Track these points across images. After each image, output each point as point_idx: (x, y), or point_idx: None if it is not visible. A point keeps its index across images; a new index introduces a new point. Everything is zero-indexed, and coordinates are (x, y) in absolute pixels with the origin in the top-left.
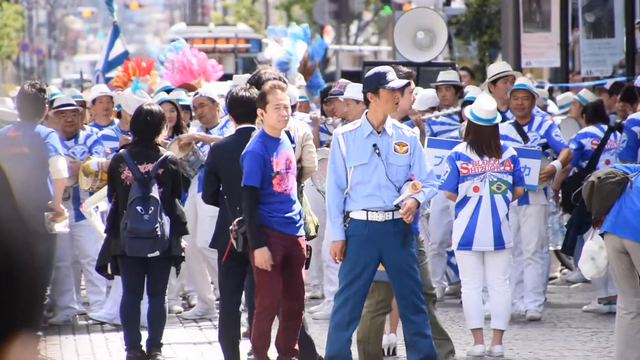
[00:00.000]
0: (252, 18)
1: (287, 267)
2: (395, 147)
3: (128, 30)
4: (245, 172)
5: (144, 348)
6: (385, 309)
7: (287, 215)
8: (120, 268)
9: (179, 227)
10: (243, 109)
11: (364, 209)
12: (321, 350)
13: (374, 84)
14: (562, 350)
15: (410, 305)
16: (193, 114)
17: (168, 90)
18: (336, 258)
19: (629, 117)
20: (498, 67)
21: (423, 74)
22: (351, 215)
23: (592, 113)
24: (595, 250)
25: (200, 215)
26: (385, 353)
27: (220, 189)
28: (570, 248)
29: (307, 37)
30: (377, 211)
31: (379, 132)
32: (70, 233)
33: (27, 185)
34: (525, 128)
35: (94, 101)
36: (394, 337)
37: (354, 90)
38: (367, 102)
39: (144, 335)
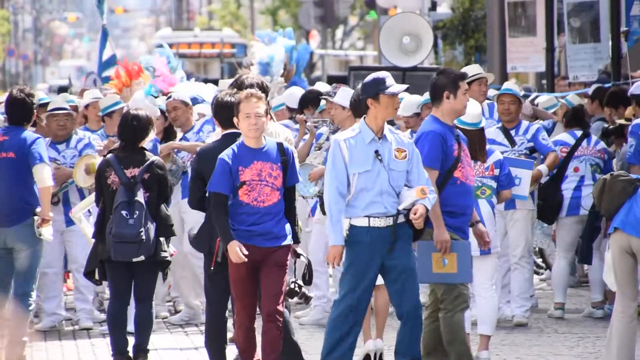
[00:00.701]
0: (237, 23)
1: (261, 272)
2: (395, 153)
3: (114, 35)
4: (211, 178)
5: (131, 354)
6: (463, 305)
7: (253, 227)
8: (107, 273)
9: (165, 230)
10: (228, 113)
11: (366, 216)
12: (308, 356)
13: (374, 90)
14: (548, 355)
15: (412, 308)
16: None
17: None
18: (334, 262)
19: (634, 122)
20: (471, 69)
21: (409, 78)
22: (352, 222)
23: (571, 117)
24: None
25: (187, 220)
26: (372, 358)
27: (207, 194)
28: (588, 257)
29: (291, 37)
30: (379, 217)
31: (379, 138)
32: (60, 239)
33: (13, 190)
34: (513, 132)
35: (87, 106)
36: (380, 343)
37: (341, 96)
38: (366, 108)
39: (131, 340)
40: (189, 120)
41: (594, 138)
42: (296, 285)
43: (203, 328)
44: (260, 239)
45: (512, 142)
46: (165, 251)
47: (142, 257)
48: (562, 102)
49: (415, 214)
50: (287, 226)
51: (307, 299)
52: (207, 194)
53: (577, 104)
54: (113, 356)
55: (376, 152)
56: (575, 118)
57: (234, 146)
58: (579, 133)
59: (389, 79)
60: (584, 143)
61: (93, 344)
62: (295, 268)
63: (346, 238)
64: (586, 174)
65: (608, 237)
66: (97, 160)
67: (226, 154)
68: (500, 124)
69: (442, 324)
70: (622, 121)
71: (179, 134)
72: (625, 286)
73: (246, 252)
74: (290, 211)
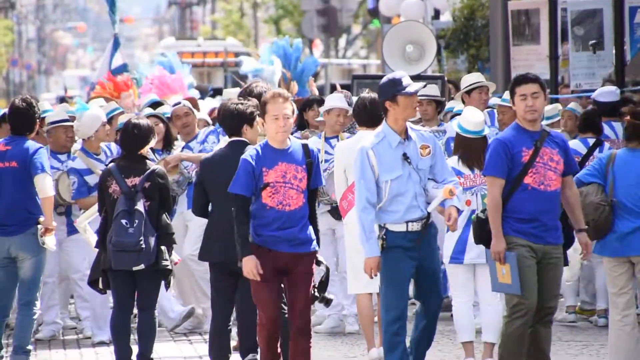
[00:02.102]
0: (241, 32)
1: (288, 282)
2: (420, 152)
3: None
4: (233, 179)
5: None
6: (517, 314)
7: (279, 232)
8: (110, 282)
9: (166, 238)
10: (235, 121)
11: (405, 221)
12: None
13: (391, 91)
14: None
15: (437, 309)
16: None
17: (154, 104)
18: (372, 273)
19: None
20: (472, 77)
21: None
22: (388, 227)
23: (582, 123)
24: (570, 253)
25: (191, 227)
26: None
27: (209, 201)
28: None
29: (298, 51)
30: (415, 221)
31: (405, 139)
32: (59, 248)
33: (16, 200)
34: None
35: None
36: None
37: (335, 97)
38: (385, 111)
39: (135, 349)
40: (196, 128)
41: (606, 146)
42: (315, 290)
43: (207, 337)
44: (285, 245)
45: None
46: (166, 260)
47: (142, 266)
48: (566, 110)
49: (449, 220)
50: (312, 231)
51: (328, 302)
52: (209, 201)
53: (589, 108)
54: None
55: (404, 155)
56: (587, 124)
57: (257, 146)
58: (591, 141)
59: (405, 79)
60: (596, 152)
61: (97, 352)
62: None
63: (383, 244)
64: None
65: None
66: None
67: (249, 154)
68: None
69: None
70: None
71: (181, 143)
72: (619, 300)
73: (261, 272)
74: (312, 215)
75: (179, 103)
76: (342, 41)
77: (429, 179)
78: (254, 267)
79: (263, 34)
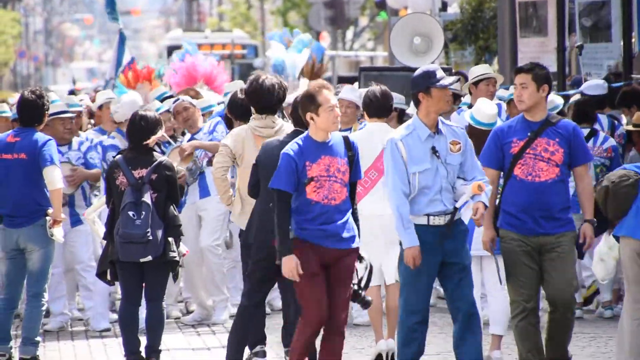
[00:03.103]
0: (248, 24)
1: (331, 277)
2: (450, 147)
3: None
4: (274, 174)
5: (143, 354)
6: (514, 311)
7: (324, 226)
8: (118, 274)
9: (173, 230)
10: (298, 114)
11: (425, 214)
12: None
13: (425, 83)
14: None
15: (466, 305)
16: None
17: (164, 98)
18: (413, 264)
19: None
20: (480, 69)
21: None
22: (412, 220)
23: (575, 113)
24: (604, 251)
25: (205, 218)
26: (384, 358)
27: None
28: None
29: (305, 43)
30: (438, 215)
31: (435, 133)
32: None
33: (25, 192)
34: None
35: (100, 107)
36: (392, 343)
37: (347, 91)
38: (417, 103)
39: (143, 341)
40: (198, 121)
41: (601, 135)
42: (356, 285)
43: (215, 328)
44: (331, 240)
45: None
46: (174, 251)
47: (149, 258)
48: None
49: (475, 214)
50: (354, 226)
51: (366, 304)
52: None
53: (580, 98)
54: (125, 356)
55: (433, 148)
56: (579, 115)
57: (298, 140)
58: (585, 131)
59: (439, 72)
60: (590, 143)
61: (105, 344)
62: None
63: None
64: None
65: (602, 234)
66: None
67: (290, 149)
68: None
69: None
70: (630, 127)
71: (186, 136)
72: (636, 291)
73: (301, 272)
74: (353, 209)
75: (178, 99)
76: (350, 33)
77: (458, 177)
78: (295, 267)
79: (270, 26)
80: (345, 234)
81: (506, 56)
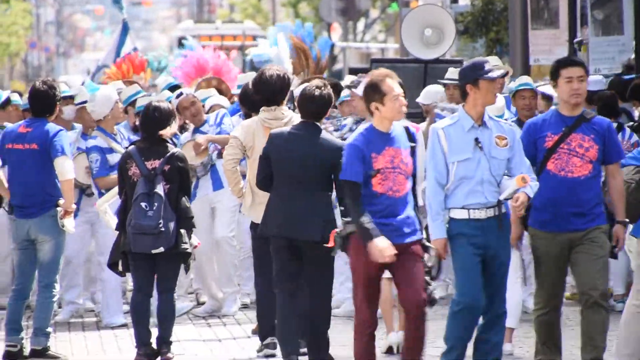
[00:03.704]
0: (259, 15)
1: (395, 266)
2: (496, 141)
3: (134, 27)
4: (342, 166)
5: (154, 345)
6: (537, 305)
7: (389, 219)
8: (130, 265)
9: (185, 222)
10: (313, 108)
11: (463, 207)
12: (337, 348)
13: (473, 75)
14: (572, 348)
15: (498, 304)
16: None
17: (172, 88)
18: (441, 256)
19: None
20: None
21: (431, 71)
22: (451, 214)
23: (601, 107)
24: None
25: (220, 209)
26: (395, 350)
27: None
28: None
29: (311, 36)
30: (478, 208)
31: (479, 125)
32: (90, 230)
33: (36, 182)
34: None
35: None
36: (402, 335)
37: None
38: (464, 95)
39: (154, 332)
40: (203, 114)
41: (627, 131)
42: (426, 284)
43: (226, 320)
44: (394, 235)
45: None
46: (185, 243)
47: (161, 249)
48: None
49: (516, 201)
50: (416, 219)
51: (433, 302)
52: (271, 175)
53: (607, 92)
54: (137, 348)
55: (476, 139)
56: (606, 109)
57: (362, 130)
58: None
59: (488, 64)
60: (619, 137)
61: (116, 335)
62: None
63: (447, 232)
64: None
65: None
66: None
67: (356, 139)
68: (516, 118)
69: None
70: None
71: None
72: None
73: (395, 252)
74: (415, 202)
75: (181, 94)
76: (361, 25)
77: (504, 174)
78: (385, 249)
79: (281, 17)
80: (408, 229)
81: (517, 48)
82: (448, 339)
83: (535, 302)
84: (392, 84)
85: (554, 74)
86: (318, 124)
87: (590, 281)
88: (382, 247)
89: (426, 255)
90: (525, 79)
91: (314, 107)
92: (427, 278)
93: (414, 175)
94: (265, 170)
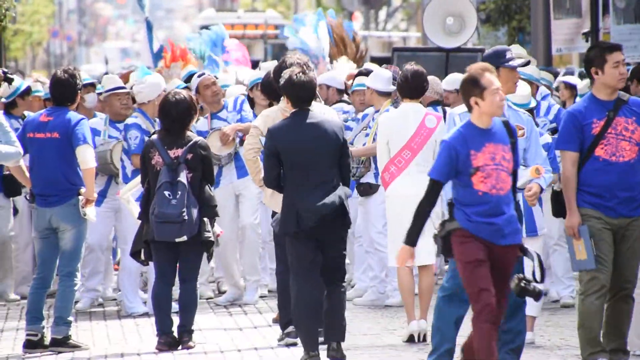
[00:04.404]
0: (281, 4)
1: (494, 274)
2: None
3: (157, 17)
4: (434, 163)
5: (175, 334)
6: (594, 288)
7: (492, 219)
8: (152, 254)
9: (209, 210)
10: (302, 92)
11: None
12: (351, 336)
13: (494, 63)
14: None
15: (513, 294)
16: None
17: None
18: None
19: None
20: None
21: (453, 59)
22: None
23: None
24: None
25: (246, 195)
26: (416, 339)
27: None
28: None
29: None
30: None
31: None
32: (113, 217)
33: (58, 171)
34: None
35: (131, 87)
36: (424, 323)
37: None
38: None
39: (176, 321)
40: (221, 97)
41: None
42: (524, 282)
43: (247, 308)
44: (497, 235)
45: (535, 124)
46: (208, 231)
47: (184, 237)
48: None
49: (529, 191)
50: (517, 218)
51: (538, 295)
52: (281, 172)
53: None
54: (158, 336)
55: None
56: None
57: (460, 127)
58: None
59: (510, 52)
60: None
61: (138, 324)
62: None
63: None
64: None
65: None
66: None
67: (453, 137)
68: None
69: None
70: None
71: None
72: None
73: (411, 265)
74: (516, 201)
75: (203, 74)
76: (382, 14)
77: (521, 164)
78: (405, 259)
79: (303, 6)
80: (511, 229)
81: (539, 37)
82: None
83: (589, 286)
84: (492, 77)
85: (598, 59)
86: (310, 108)
87: (629, 275)
88: (405, 258)
89: (525, 259)
90: (527, 69)
91: (306, 93)
92: (529, 277)
93: (514, 172)
94: (276, 169)
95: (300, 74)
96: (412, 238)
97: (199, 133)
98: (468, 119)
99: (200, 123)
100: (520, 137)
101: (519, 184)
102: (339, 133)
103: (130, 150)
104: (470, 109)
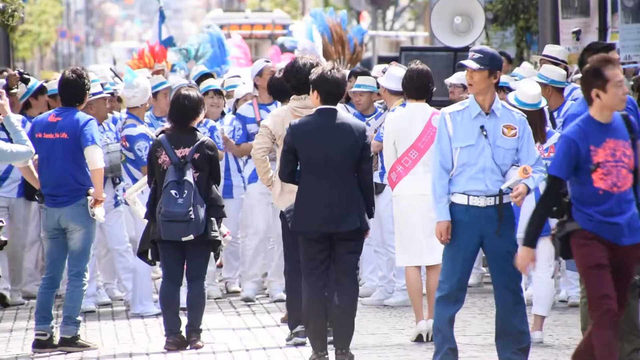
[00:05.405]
0: (288, 4)
1: (613, 265)
2: (503, 130)
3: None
4: (554, 159)
5: (184, 333)
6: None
7: (612, 218)
8: (159, 253)
9: (215, 210)
10: (334, 88)
11: (464, 193)
12: (359, 336)
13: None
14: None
15: (510, 294)
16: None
17: (202, 76)
18: (442, 239)
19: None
20: (552, 50)
21: (460, 59)
22: (452, 199)
23: None
24: None
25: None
26: (424, 339)
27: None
28: None
29: (344, 23)
30: (478, 196)
31: (487, 114)
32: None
33: (66, 171)
34: (555, 114)
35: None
36: (432, 323)
37: (385, 78)
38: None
39: (184, 321)
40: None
41: None
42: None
43: (255, 308)
44: (619, 235)
45: (554, 124)
46: (215, 231)
47: (191, 237)
48: None
49: (515, 192)
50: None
51: None
52: (297, 168)
53: None
54: (166, 336)
55: (482, 127)
56: None
57: (579, 122)
58: None
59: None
60: None
61: (146, 323)
62: None
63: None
64: None
65: None
66: None
67: (571, 132)
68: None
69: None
70: None
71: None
72: None
73: (532, 267)
74: (637, 200)
75: (268, 61)
76: (390, 13)
77: (512, 164)
78: (526, 262)
79: (310, 6)
80: (633, 228)
81: (547, 37)
82: (435, 321)
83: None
84: (615, 70)
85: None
86: (336, 107)
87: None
88: (527, 260)
89: None
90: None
91: (338, 90)
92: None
93: (635, 169)
94: (291, 165)
95: (334, 70)
96: (531, 239)
97: (245, 119)
98: (585, 112)
99: (244, 108)
100: (511, 137)
101: (508, 184)
102: (361, 136)
103: (141, 162)
104: (590, 102)
